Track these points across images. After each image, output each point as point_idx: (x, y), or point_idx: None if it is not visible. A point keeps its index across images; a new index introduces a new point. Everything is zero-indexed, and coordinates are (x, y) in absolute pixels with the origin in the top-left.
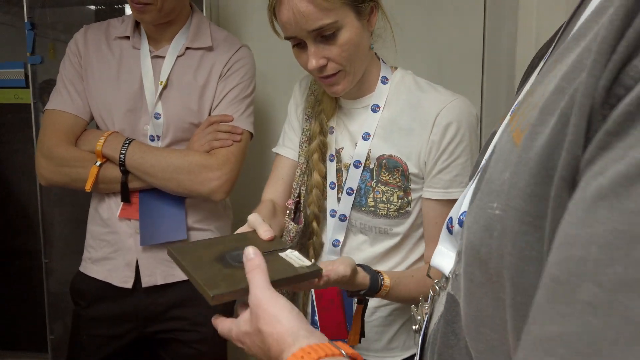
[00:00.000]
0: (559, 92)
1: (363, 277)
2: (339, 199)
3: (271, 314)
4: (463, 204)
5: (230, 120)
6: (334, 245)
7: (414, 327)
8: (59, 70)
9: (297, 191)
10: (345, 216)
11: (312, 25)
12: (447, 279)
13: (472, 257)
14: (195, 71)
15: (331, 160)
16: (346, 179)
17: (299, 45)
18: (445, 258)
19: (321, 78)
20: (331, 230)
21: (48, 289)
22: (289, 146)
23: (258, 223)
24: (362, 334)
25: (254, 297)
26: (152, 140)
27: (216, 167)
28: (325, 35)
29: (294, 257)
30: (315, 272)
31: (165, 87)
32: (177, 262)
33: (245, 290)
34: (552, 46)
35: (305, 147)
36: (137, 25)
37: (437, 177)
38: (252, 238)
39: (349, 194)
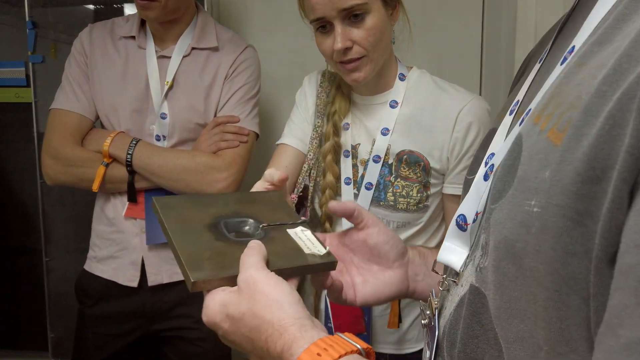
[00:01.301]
0: (601, 96)
1: None
2: (355, 195)
3: (271, 297)
4: (480, 203)
5: (237, 121)
6: None
7: (423, 321)
8: (63, 69)
9: (302, 186)
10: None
11: (345, 3)
12: (457, 274)
13: (506, 252)
14: (201, 71)
15: (346, 157)
16: (364, 174)
17: (323, 28)
18: (453, 254)
19: (343, 64)
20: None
21: (49, 288)
22: (296, 136)
23: (275, 173)
24: (400, 318)
25: (247, 277)
26: (158, 140)
27: (223, 168)
28: (355, 16)
29: (305, 239)
30: (329, 264)
31: (171, 88)
32: (160, 221)
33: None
34: (549, 47)
35: (316, 144)
36: (142, 24)
37: (461, 174)
38: (259, 201)
39: (367, 188)
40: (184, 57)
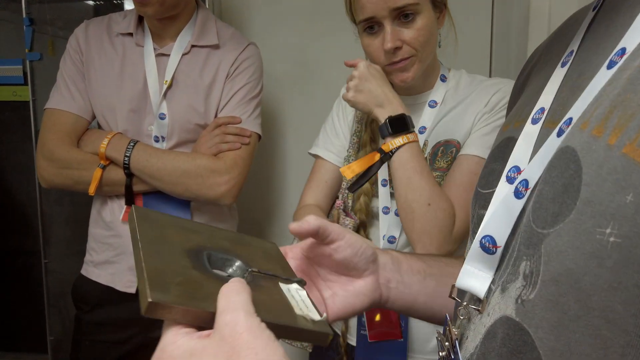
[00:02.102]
0: None
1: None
2: (392, 194)
3: (260, 357)
4: (511, 223)
5: (238, 122)
6: (390, 242)
7: (441, 353)
8: (59, 67)
9: (341, 196)
10: None
11: (397, 2)
12: (479, 300)
13: (569, 286)
14: (201, 70)
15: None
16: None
17: (371, 29)
18: (476, 279)
19: (391, 65)
20: (386, 228)
21: (48, 289)
22: (331, 150)
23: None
24: (360, 185)
25: (234, 321)
26: (157, 141)
27: (224, 171)
28: (405, 16)
29: (299, 300)
30: (321, 335)
31: (170, 87)
32: (132, 230)
33: (210, 316)
34: (575, 49)
35: (355, 148)
36: (140, 21)
37: (482, 138)
38: (253, 245)
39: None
40: (183, 55)
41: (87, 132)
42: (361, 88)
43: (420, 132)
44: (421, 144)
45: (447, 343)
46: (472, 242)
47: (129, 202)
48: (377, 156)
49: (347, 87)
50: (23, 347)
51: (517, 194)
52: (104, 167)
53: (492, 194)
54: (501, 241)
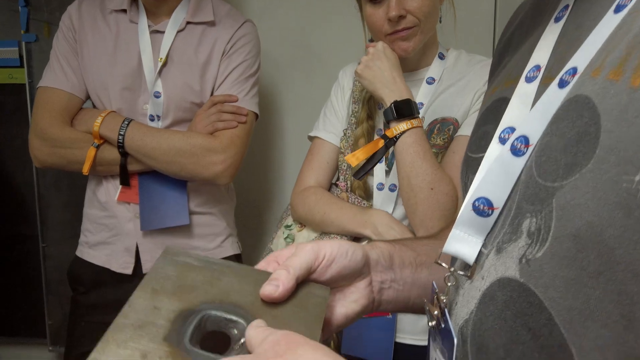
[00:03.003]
0: None
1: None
2: (387, 172)
3: None
4: (501, 182)
5: (234, 101)
6: None
7: (431, 323)
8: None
9: (343, 177)
10: (395, 186)
11: None
12: (468, 266)
13: (588, 240)
14: (197, 47)
15: (379, 134)
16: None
17: (374, 0)
18: (465, 244)
19: (394, 34)
20: (379, 204)
21: (46, 274)
22: (331, 131)
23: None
24: (366, 172)
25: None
26: (152, 120)
27: (220, 150)
28: None
29: None
30: None
31: (164, 64)
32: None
33: None
34: (571, 4)
35: (354, 129)
36: None
37: (473, 115)
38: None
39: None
40: (178, 32)
41: (80, 111)
42: (372, 65)
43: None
44: None
45: (436, 312)
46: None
47: (124, 182)
48: (381, 142)
49: (360, 61)
50: (22, 332)
51: (516, 152)
52: (97, 146)
53: (482, 158)
54: (499, 202)
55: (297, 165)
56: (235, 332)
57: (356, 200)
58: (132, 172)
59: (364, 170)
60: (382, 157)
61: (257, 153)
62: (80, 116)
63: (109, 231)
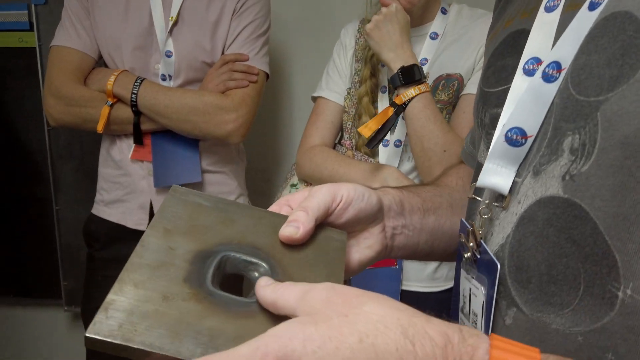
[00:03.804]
0: None
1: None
2: (392, 128)
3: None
4: (534, 110)
5: (245, 60)
6: None
7: (466, 255)
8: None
9: (348, 136)
10: (400, 141)
11: None
12: (502, 197)
13: (638, 145)
14: (207, 6)
15: (383, 92)
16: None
17: None
18: (499, 176)
19: None
20: (385, 160)
21: (60, 236)
22: (334, 90)
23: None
24: (378, 141)
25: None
26: (164, 79)
27: (232, 109)
28: None
29: None
30: None
31: (175, 23)
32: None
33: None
34: None
35: (358, 87)
36: None
37: (479, 72)
38: (311, 238)
39: (404, 119)
40: None
41: (93, 71)
42: (381, 27)
43: (422, 64)
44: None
45: (471, 244)
46: (486, 142)
47: (138, 140)
48: (391, 110)
49: (372, 20)
50: (37, 293)
51: (548, 79)
52: (111, 105)
53: (505, 90)
54: (532, 130)
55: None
56: (256, 274)
57: (362, 157)
58: (145, 131)
59: (377, 139)
60: (393, 124)
61: (265, 118)
62: (93, 75)
63: (124, 189)
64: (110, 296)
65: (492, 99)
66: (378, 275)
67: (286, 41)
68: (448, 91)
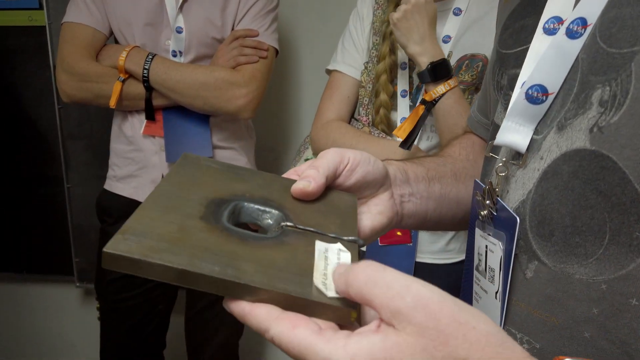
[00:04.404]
0: None
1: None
2: (411, 107)
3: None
4: (556, 67)
5: (255, 35)
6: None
7: (482, 212)
8: None
9: (365, 112)
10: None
11: None
12: (519, 155)
13: None
14: None
15: (403, 69)
16: (419, 85)
17: None
18: (517, 134)
19: None
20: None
21: (71, 214)
22: (350, 64)
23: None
24: (412, 140)
25: (415, 296)
26: (175, 56)
27: (243, 84)
28: None
29: (333, 264)
30: (340, 312)
31: (186, 0)
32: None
33: (184, 275)
34: None
35: (375, 62)
36: None
37: None
38: (325, 200)
39: (430, 112)
40: None
41: (105, 47)
42: (409, 17)
43: (445, 42)
44: (445, 53)
45: (488, 202)
46: (504, 104)
47: (149, 116)
48: (422, 109)
49: (398, 9)
50: (49, 269)
51: (572, 35)
52: (123, 81)
53: (524, 51)
54: (554, 87)
55: (313, 108)
56: (270, 222)
57: (379, 134)
58: (156, 106)
59: (411, 139)
60: (425, 120)
61: (273, 95)
62: (105, 51)
63: (136, 164)
64: (127, 223)
65: (510, 60)
66: (392, 253)
67: (295, 18)
68: (472, 72)
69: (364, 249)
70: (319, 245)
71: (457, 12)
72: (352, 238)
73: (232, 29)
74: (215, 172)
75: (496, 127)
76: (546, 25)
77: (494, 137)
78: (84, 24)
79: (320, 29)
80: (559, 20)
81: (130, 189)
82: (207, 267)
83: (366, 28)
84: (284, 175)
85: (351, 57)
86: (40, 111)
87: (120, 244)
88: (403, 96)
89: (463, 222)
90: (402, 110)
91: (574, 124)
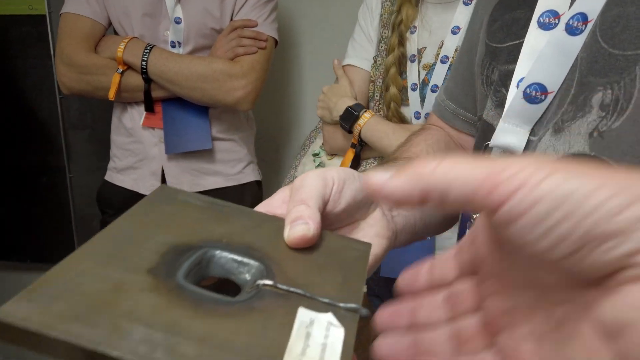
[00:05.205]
0: None
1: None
2: (422, 99)
3: None
4: (556, 65)
5: (254, 26)
6: None
7: (475, 215)
8: None
9: (377, 107)
10: (437, 86)
11: None
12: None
13: None
14: None
15: (412, 61)
16: (425, 79)
17: None
18: (514, 135)
19: None
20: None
21: (74, 203)
22: (363, 57)
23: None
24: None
25: None
26: (173, 47)
27: (241, 75)
28: None
29: (316, 345)
30: None
31: None
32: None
33: None
34: None
35: (385, 56)
36: None
37: None
38: (328, 247)
39: (434, 91)
40: None
41: (103, 38)
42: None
43: (454, 33)
44: (454, 46)
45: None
46: (495, 100)
47: (149, 108)
48: (352, 151)
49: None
50: (52, 258)
51: (572, 31)
52: (122, 73)
53: (517, 45)
54: (554, 85)
55: (313, 98)
56: (247, 277)
57: None
58: (155, 98)
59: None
60: (360, 156)
61: (273, 86)
62: (103, 43)
63: (136, 156)
64: (43, 277)
65: (501, 54)
66: (410, 248)
67: (295, 7)
68: None
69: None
70: (303, 314)
71: (468, 2)
72: (353, 305)
73: (231, 20)
74: (193, 209)
75: (486, 125)
76: (541, 19)
77: (485, 136)
78: (83, 15)
79: (321, 18)
80: (555, 14)
81: (130, 181)
82: (126, 346)
83: (375, 20)
84: (256, 209)
85: (363, 49)
86: (41, 101)
87: (19, 307)
88: (413, 90)
89: (444, 224)
90: (414, 105)
91: (572, 128)
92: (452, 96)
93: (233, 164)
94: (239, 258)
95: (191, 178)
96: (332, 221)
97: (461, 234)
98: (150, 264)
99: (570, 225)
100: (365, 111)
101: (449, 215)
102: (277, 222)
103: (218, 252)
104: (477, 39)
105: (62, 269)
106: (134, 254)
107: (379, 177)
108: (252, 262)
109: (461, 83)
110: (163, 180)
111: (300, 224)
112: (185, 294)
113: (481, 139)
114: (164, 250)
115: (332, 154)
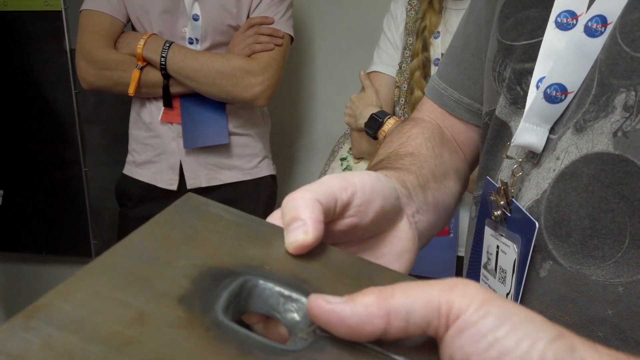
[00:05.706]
0: None
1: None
2: None
3: None
4: (576, 65)
5: (270, 23)
6: None
7: (496, 212)
8: None
9: (402, 112)
10: None
11: None
12: (534, 155)
13: None
14: None
15: (436, 65)
16: None
17: None
18: (534, 135)
19: None
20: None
21: (89, 197)
22: (389, 63)
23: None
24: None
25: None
26: (191, 43)
27: (258, 72)
28: None
29: None
30: None
31: None
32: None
33: None
34: None
35: (408, 64)
36: None
37: None
38: (368, 279)
39: None
40: None
41: (122, 35)
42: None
43: None
44: None
45: (502, 202)
46: (509, 98)
47: (167, 103)
48: None
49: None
50: (68, 251)
51: (591, 33)
52: (141, 68)
53: (533, 45)
54: (574, 86)
55: (327, 94)
56: (297, 317)
57: None
58: (174, 94)
59: None
60: None
61: (288, 83)
62: (123, 39)
63: (154, 150)
64: (43, 299)
65: (516, 52)
66: (432, 245)
67: (310, 5)
68: None
69: None
70: None
71: None
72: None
73: (248, 17)
74: (225, 225)
75: (500, 122)
76: (558, 20)
77: (499, 134)
78: (102, 12)
79: (336, 15)
80: (573, 15)
81: (149, 175)
82: None
83: (400, 28)
84: (268, 220)
85: (388, 56)
86: (57, 96)
87: (12, 337)
88: None
89: (447, 219)
90: None
91: (595, 127)
92: (457, 84)
93: (249, 159)
94: (286, 292)
95: (208, 172)
96: (358, 235)
97: (478, 235)
98: (180, 290)
99: None
100: (390, 117)
101: (449, 209)
102: (326, 248)
103: (262, 282)
104: (482, 30)
105: (72, 286)
106: (160, 275)
107: (328, 301)
108: (302, 298)
109: (470, 70)
110: (181, 174)
111: (296, 226)
112: (228, 335)
113: (495, 137)
114: (195, 273)
115: (359, 158)
